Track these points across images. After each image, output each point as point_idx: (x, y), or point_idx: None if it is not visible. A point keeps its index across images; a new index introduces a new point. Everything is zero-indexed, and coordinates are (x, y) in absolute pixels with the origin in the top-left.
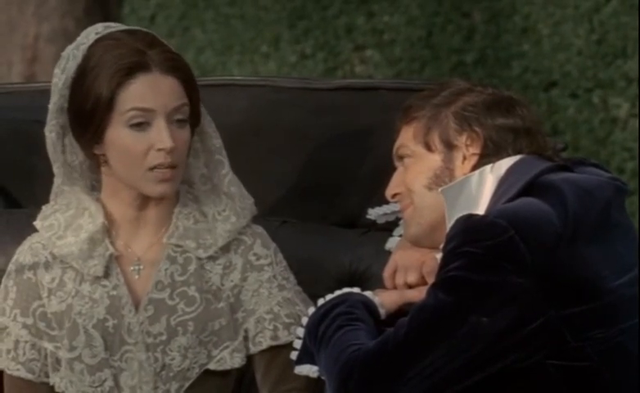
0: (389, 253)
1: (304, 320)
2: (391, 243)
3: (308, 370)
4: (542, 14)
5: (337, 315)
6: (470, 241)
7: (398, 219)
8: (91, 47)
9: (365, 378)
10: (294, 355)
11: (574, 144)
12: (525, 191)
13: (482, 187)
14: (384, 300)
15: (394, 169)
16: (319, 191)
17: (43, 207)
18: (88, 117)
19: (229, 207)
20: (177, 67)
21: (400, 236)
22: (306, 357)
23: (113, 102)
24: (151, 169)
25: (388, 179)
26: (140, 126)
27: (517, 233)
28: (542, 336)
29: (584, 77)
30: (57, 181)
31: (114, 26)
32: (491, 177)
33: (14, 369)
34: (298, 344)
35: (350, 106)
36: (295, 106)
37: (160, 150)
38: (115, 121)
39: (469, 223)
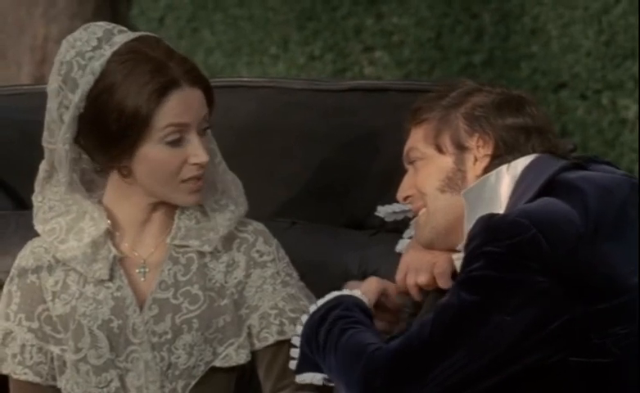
0: (398, 255)
1: (299, 329)
2: (401, 245)
3: (312, 378)
4: (551, 15)
5: (337, 319)
6: (492, 241)
7: (407, 219)
8: (109, 62)
9: (391, 377)
10: (293, 365)
11: (582, 145)
12: (545, 190)
13: (499, 188)
14: (364, 292)
15: (403, 170)
16: (328, 192)
17: (35, 203)
18: (119, 135)
19: (226, 196)
20: (199, 77)
21: (410, 237)
22: (306, 365)
23: (149, 121)
24: (184, 180)
25: (397, 180)
26: (175, 142)
27: (539, 231)
28: (565, 333)
29: (593, 78)
30: (60, 189)
31: (110, 28)
32: (507, 177)
33: (21, 373)
34: (295, 353)
35: (359, 108)
36: (304, 107)
37: (194, 164)
38: (150, 138)
39: (490, 223)
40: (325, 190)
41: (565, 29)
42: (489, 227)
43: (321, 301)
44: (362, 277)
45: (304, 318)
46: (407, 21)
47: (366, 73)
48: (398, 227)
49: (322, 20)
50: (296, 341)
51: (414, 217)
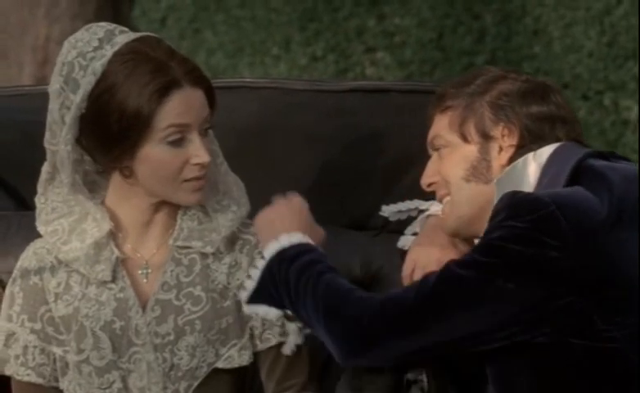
0: (400, 254)
1: (260, 263)
2: (403, 241)
3: (266, 312)
4: (553, 16)
5: (311, 262)
6: (514, 216)
7: (410, 219)
8: (110, 62)
9: (382, 323)
10: (244, 296)
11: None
12: (572, 178)
13: (526, 175)
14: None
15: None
16: (330, 193)
17: (38, 205)
18: (121, 135)
19: (227, 196)
20: (201, 77)
21: (414, 234)
22: (261, 298)
23: (150, 121)
24: (186, 180)
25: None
26: (177, 142)
27: (559, 209)
28: (568, 315)
29: (595, 79)
30: (63, 190)
31: (111, 28)
32: (534, 164)
33: (24, 374)
34: (249, 284)
35: (361, 108)
36: (306, 108)
37: (196, 164)
38: (151, 138)
39: (514, 199)
40: (327, 190)
41: (567, 29)
42: (512, 203)
43: (285, 242)
44: (365, 277)
45: (268, 253)
46: (408, 22)
47: (367, 74)
48: (401, 228)
49: (323, 20)
50: (254, 273)
51: (419, 215)
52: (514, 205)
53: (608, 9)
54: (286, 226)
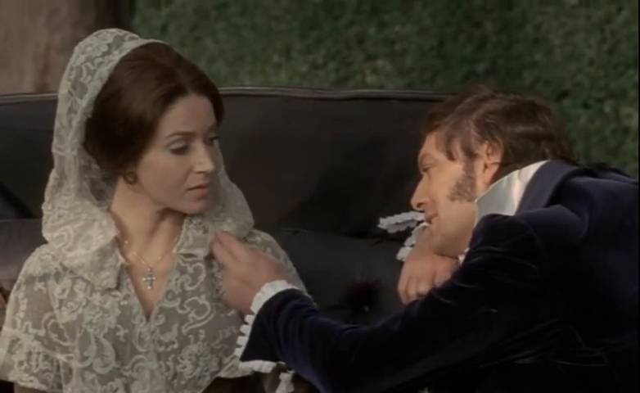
0: (400, 263)
1: (249, 318)
2: (403, 253)
3: (260, 365)
4: (553, 24)
5: (296, 307)
6: (491, 240)
7: (409, 229)
8: (117, 67)
9: (367, 357)
10: (238, 352)
11: (585, 154)
12: (555, 196)
13: (510, 193)
14: None
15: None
16: (331, 201)
17: (45, 212)
18: (125, 141)
19: (226, 208)
20: (207, 85)
21: (412, 245)
22: (255, 352)
23: (154, 127)
24: (190, 189)
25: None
26: (181, 150)
27: (536, 231)
28: (551, 337)
29: (596, 87)
30: (70, 196)
31: (121, 35)
32: (519, 182)
33: (27, 381)
34: (242, 341)
35: (362, 116)
36: (307, 116)
37: (200, 172)
38: (155, 145)
39: (490, 223)
40: (328, 198)
41: (568, 37)
42: (488, 227)
43: (271, 292)
44: (365, 285)
45: (256, 307)
46: (409, 30)
47: (368, 81)
48: (401, 235)
49: (324, 28)
50: (245, 329)
51: (418, 225)
52: (491, 230)
53: (609, 17)
54: (263, 276)
